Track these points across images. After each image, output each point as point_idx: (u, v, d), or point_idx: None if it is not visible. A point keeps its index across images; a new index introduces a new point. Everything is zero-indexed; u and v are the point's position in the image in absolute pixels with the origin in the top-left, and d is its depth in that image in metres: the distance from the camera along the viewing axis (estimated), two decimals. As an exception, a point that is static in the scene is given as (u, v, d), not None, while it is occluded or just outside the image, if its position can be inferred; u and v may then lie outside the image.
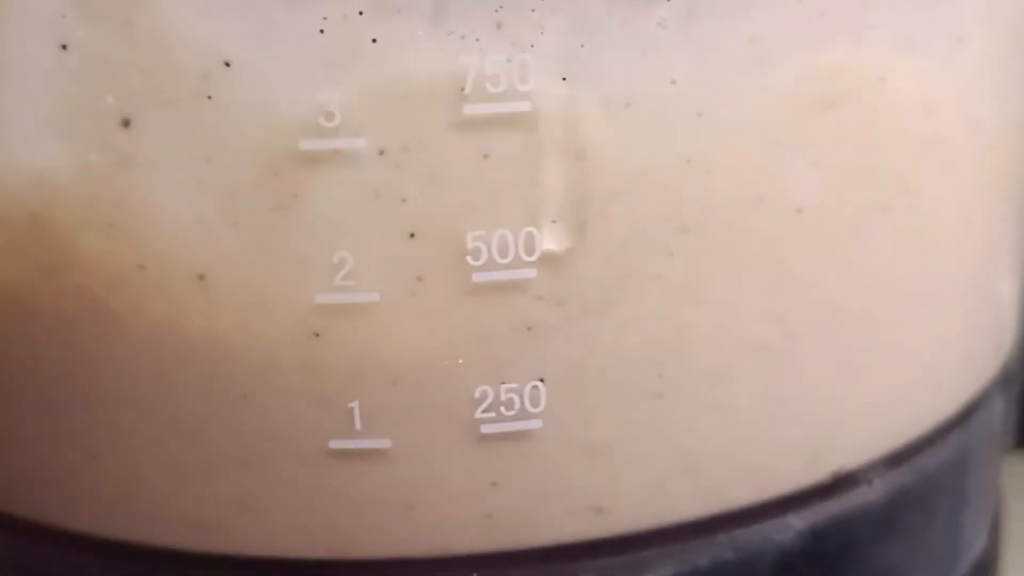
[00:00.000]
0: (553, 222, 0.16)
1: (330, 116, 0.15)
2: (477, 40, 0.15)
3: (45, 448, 0.18)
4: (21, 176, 0.16)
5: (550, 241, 0.16)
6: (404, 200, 0.15)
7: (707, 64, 0.16)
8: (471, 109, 0.15)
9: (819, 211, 0.17)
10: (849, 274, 0.18)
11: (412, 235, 0.15)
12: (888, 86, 0.17)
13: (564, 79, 0.15)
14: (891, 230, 0.18)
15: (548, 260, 0.16)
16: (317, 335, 0.16)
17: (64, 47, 0.15)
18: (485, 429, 0.16)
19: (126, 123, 0.15)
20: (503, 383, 0.16)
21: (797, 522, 0.18)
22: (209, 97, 0.15)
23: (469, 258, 0.15)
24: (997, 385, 0.22)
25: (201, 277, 0.16)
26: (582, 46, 0.15)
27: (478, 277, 0.16)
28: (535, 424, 0.16)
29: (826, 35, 0.16)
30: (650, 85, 0.15)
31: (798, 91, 0.16)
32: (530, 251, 0.16)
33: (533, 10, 0.15)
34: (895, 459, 0.19)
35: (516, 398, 0.16)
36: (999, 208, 0.21)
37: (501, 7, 0.15)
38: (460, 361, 0.16)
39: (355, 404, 0.16)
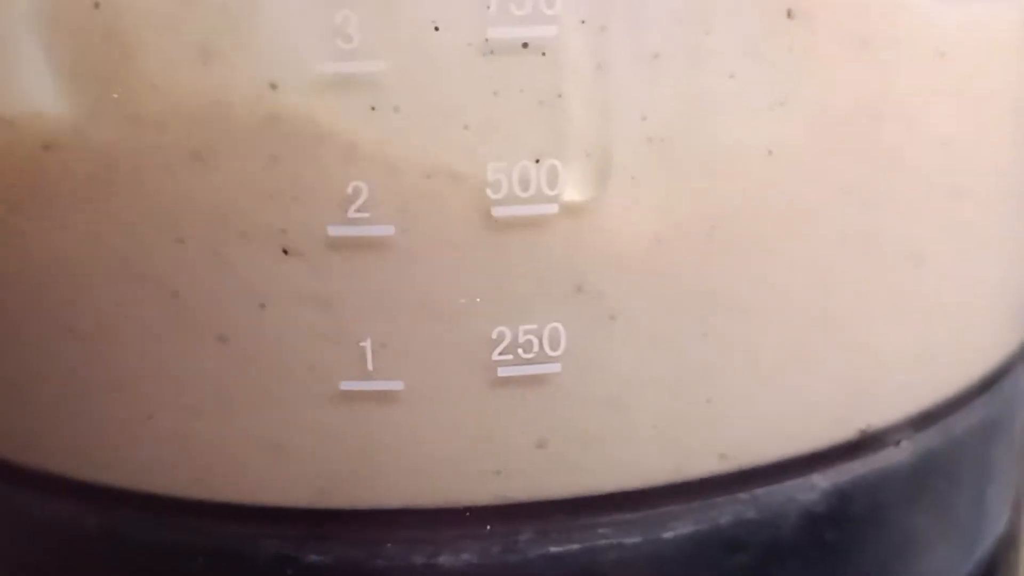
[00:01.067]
0: (577, 156, 0.15)
1: (348, 38, 0.14)
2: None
3: (51, 395, 0.17)
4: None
5: (572, 180, 0.15)
6: (422, 129, 0.15)
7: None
8: (495, 32, 0.14)
9: (848, 171, 0.17)
10: (880, 233, 0.17)
11: (429, 169, 0.15)
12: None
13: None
14: (924, 190, 0.17)
15: (570, 197, 0.15)
16: (330, 269, 0.15)
17: None
18: (502, 372, 0.16)
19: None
20: (521, 324, 0.15)
21: (822, 482, 0.18)
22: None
23: (489, 191, 0.15)
24: (1022, 357, 0.22)
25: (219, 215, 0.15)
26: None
27: (498, 211, 0.15)
28: (554, 368, 0.16)
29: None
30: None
31: (832, 50, 0.16)
32: (552, 184, 0.15)
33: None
34: (922, 421, 0.19)
35: (535, 340, 0.16)
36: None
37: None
38: (477, 300, 0.15)
39: (367, 343, 0.15)
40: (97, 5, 0.14)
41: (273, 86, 0.14)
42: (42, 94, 0.15)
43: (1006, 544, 0.22)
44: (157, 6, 0.14)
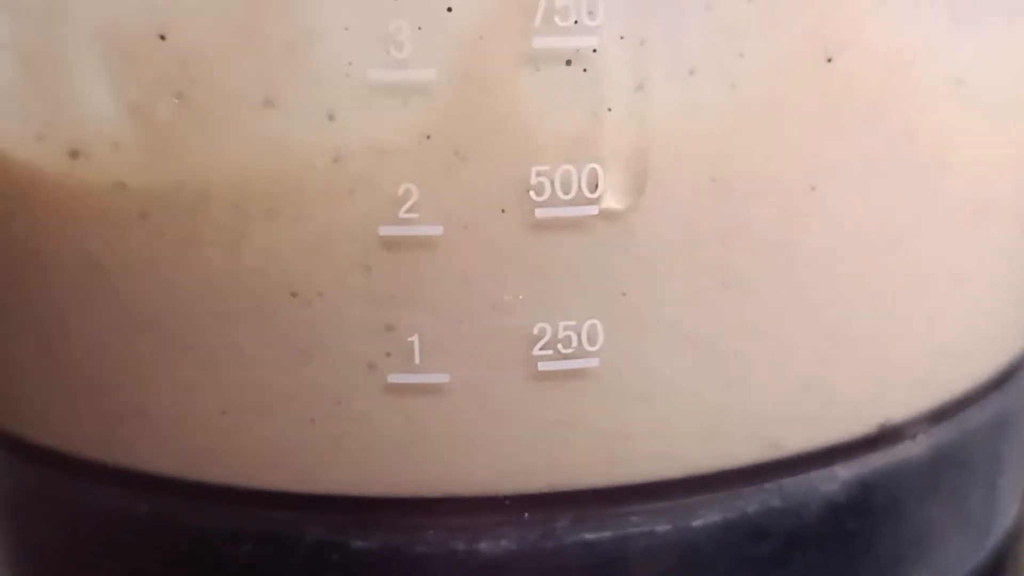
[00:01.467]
0: (615, 163, 0.16)
1: (399, 46, 0.15)
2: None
3: (102, 386, 0.18)
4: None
5: (611, 185, 0.16)
6: (467, 135, 0.15)
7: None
8: (540, 42, 0.15)
9: (869, 171, 0.17)
10: (903, 236, 0.18)
11: (475, 172, 0.16)
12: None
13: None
14: (940, 188, 0.18)
15: (609, 201, 0.16)
16: (380, 266, 0.16)
17: None
18: (542, 367, 0.16)
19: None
20: (561, 321, 0.16)
21: (844, 472, 0.18)
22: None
23: (532, 193, 0.16)
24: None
25: (270, 209, 0.16)
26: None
27: (541, 213, 0.16)
28: (592, 363, 0.16)
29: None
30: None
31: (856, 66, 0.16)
32: (592, 188, 0.16)
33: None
34: (938, 415, 0.19)
35: (574, 336, 0.16)
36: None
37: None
38: (520, 297, 0.16)
39: (415, 338, 0.16)
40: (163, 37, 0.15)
41: (331, 117, 0.15)
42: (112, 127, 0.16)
43: (1015, 536, 0.23)
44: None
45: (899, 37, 0.16)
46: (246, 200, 0.16)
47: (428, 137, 0.15)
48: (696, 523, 0.18)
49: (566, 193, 0.16)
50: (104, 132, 0.16)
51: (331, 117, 0.15)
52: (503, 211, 0.16)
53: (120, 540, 0.19)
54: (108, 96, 0.16)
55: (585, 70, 0.15)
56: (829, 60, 0.16)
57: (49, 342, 0.18)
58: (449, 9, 0.15)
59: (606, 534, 0.17)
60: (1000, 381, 0.21)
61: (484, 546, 0.17)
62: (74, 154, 0.16)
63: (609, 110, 0.15)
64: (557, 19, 0.15)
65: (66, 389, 0.18)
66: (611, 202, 0.16)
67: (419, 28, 0.15)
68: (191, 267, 0.16)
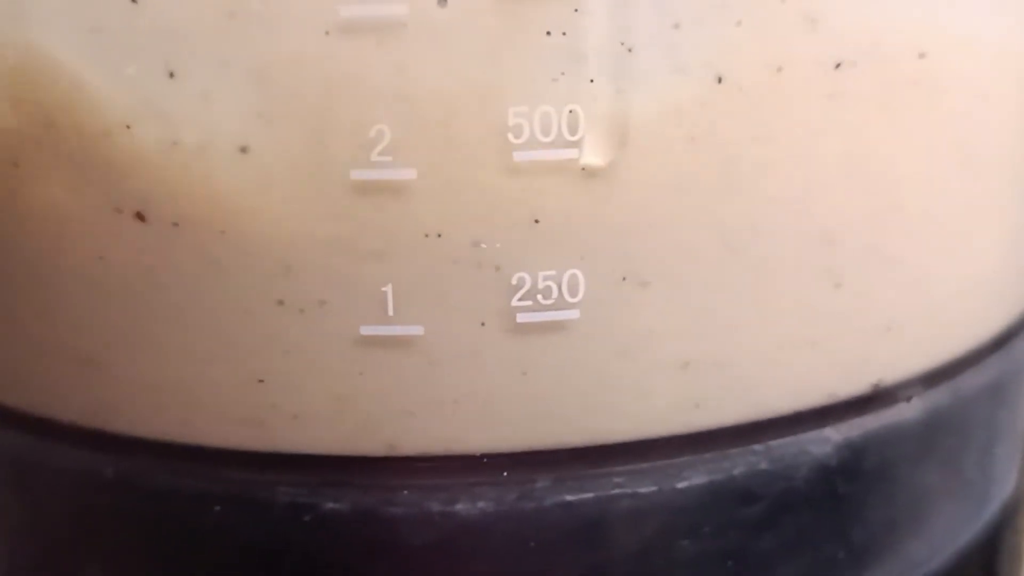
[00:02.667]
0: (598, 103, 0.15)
1: (371, -20, 0.14)
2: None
3: (67, 345, 0.17)
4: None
5: (592, 140, 0.15)
6: (446, 72, 0.15)
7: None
8: (517, -25, 0.14)
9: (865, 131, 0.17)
10: (893, 192, 0.17)
11: (450, 113, 0.15)
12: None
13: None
14: (937, 147, 0.18)
15: (592, 142, 0.15)
16: (351, 213, 0.15)
17: None
18: (521, 319, 0.16)
19: None
20: (541, 271, 0.16)
21: (835, 435, 0.18)
22: None
23: (510, 135, 0.15)
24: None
25: (243, 150, 0.15)
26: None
27: (519, 156, 0.15)
28: (572, 315, 0.16)
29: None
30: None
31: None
32: (573, 130, 0.15)
33: None
34: (933, 378, 0.19)
35: (554, 286, 0.16)
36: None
37: None
38: (497, 245, 0.15)
39: (388, 288, 0.15)
40: None
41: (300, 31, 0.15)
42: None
43: (1013, 507, 0.23)
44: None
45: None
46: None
47: (400, 74, 0.15)
48: (681, 485, 0.17)
49: (545, 135, 0.15)
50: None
51: (307, 58, 0.15)
52: (479, 154, 0.15)
53: (87, 503, 0.18)
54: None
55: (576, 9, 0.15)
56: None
57: (8, 301, 0.17)
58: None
59: (588, 495, 0.17)
60: (998, 345, 0.20)
61: (461, 507, 0.17)
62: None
63: (588, 45, 0.15)
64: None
65: (28, 349, 0.18)
66: (592, 158, 0.15)
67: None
68: (158, 213, 0.16)
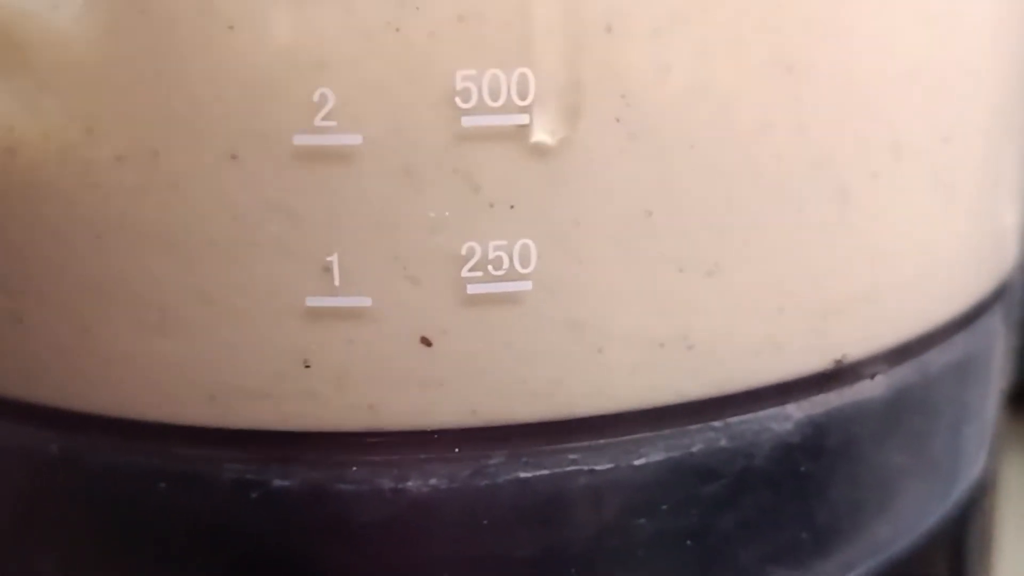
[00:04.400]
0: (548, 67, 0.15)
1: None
2: None
3: (4, 318, 0.17)
4: None
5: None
6: (395, 30, 0.14)
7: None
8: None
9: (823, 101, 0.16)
10: (857, 164, 0.17)
11: (396, 76, 0.14)
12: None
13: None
14: (905, 120, 0.17)
15: (543, 107, 0.15)
16: (294, 180, 0.15)
17: None
18: (471, 290, 0.15)
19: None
20: (491, 240, 0.15)
21: (796, 412, 0.18)
22: None
23: (458, 100, 0.15)
24: (997, 299, 0.22)
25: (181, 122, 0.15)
26: None
27: (467, 121, 0.15)
28: (525, 286, 0.15)
29: None
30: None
31: None
32: (523, 95, 0.15)
33: None
34: (898, 355, 0.19)
35: (505, 257, 0.15)
36: (1007, 111, 0.20)
37: None
38: (446, 213, 0.15)
39: (334, 258, 0.15)
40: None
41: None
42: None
43: (982, 489, 0.22)
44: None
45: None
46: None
47: (344, 35, 0.14)
48: (638, 461, 0.17)
49: (494, 100, 0.15)
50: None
51: (246, 16, 0.14)
52: (426, 119, 0.15)
53: (31, 479, 0.18)
54: None
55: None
56: None
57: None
58: None
59: (543, 472, 0.16)
60: (966, 322, 0.20)
61: (412, 484, 0.16)
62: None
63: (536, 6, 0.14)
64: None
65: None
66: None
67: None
68: (97, 186, 0.15)
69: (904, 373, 0.19)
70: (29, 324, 0.16)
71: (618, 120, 0.15)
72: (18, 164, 0.15)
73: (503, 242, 0.15)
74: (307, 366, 0.16)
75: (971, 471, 0.22)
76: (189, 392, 0.16)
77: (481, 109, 0.15)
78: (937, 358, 0.19)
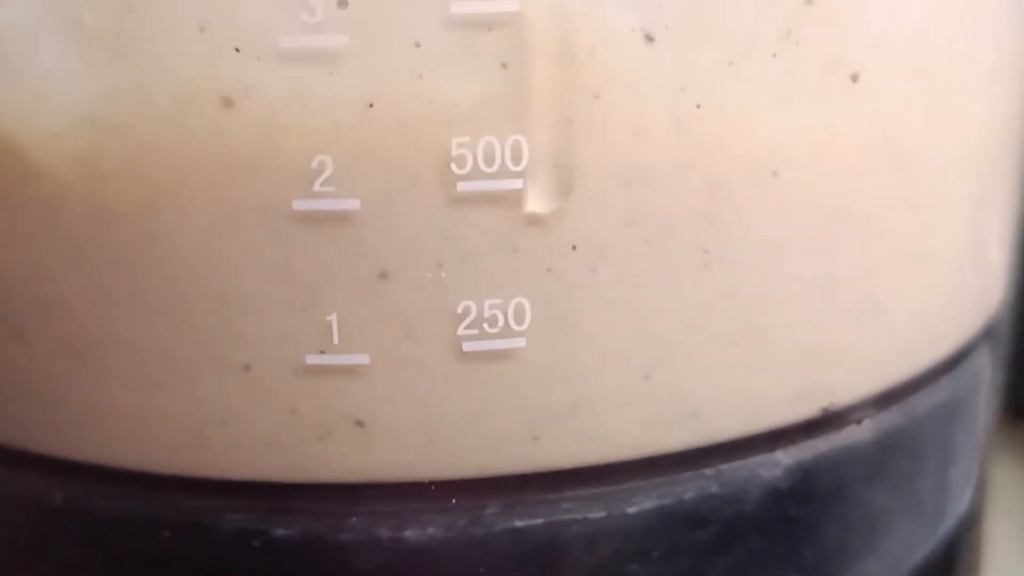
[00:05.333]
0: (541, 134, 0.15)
1: (312, 11, 0.14)
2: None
3: (11, 369, 0.17)
4: None
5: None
6: (383, 103, 0.15)
7: None
8: (459, 7, 0.14)
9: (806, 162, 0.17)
10: (843, 213, 0.17)
11: (393, 144, 0.15)
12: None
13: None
14: (882, 167, 0.18)
15: (536, 172, 0.15)
16: (294, 242, 0.15)
17: None
18: (467, 347, 0.16)
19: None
20: (487, 299, 0.16)
21: (785, 458, 0.18)
22: None
23: (453, 165, 0.15)
24: (985, 339, 0.22)
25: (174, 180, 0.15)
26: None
27: (463, 186, 0.15)
28: (519, 343, 0.16)
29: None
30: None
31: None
32: (517, 160, 0.15)
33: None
34: (884, 400, 0.19)
35: (500, 314, 0.16)
36: (991, 154, 0.20)
37: None
38: (442, 274, 0.15)
39: (333, 317, 0.15)
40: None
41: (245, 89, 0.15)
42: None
43: (968, 523, 0.23)
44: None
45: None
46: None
47: (342, 106, 0.15)
48: (631, 509, 0.17)
49: (489, 166, 0.15)
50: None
51: (245, 90, 0.15)
52: (422, 184, 0.15)
53: (35, 528, 0.18)
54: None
55: (507, 35, 0.15)
56: (774, 55, 0.15)
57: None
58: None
59: (537, 521, 0.17)
60: (952, 364, 0.21)
61: (410, 533, 0.17)
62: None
63: (530, 75, 0.15)
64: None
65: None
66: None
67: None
68: (101, 242, 0.16)
69: (891, 417, 0.19)
70: (35, 377, 0.17)
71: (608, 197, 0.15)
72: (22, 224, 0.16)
73: (498, 300, 0.16)
74: (307, 420, 0.16)
75: (958, 506, 0.22)
76: (191, 445, 0.16)
77: (476, 175, 0.15)
78: (924, 401, 0.20)
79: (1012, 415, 0.28)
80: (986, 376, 0.22)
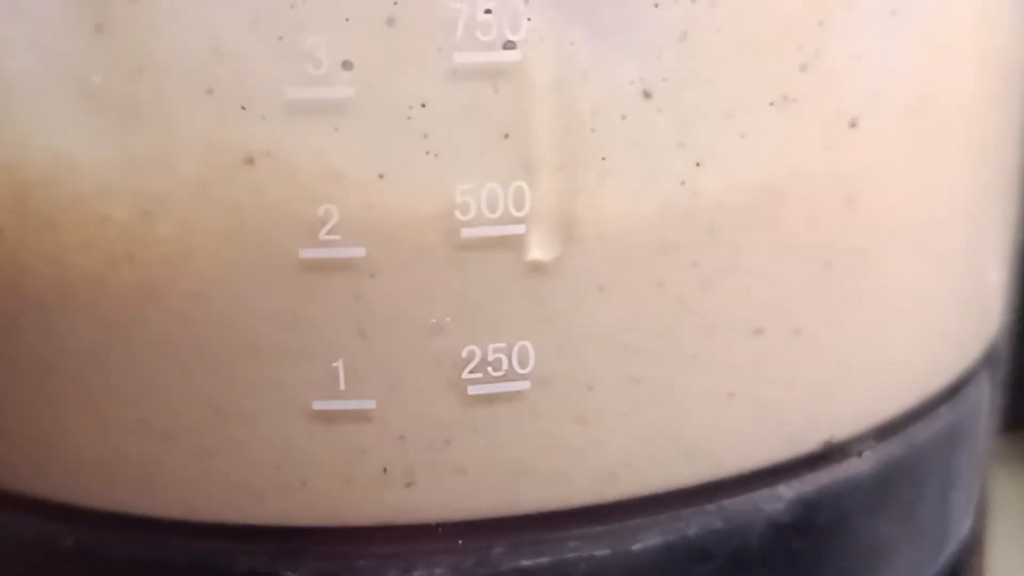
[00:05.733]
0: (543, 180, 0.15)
1: (318, 63, 0.14)
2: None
3: (22, 417, 0.17)
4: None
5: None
6: (389, 154, 0.15)
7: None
8: (461, 57, 0.15)
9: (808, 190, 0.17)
10: (840, 246, 0.18)
11: (398, 192, 0.15)
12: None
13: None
14: (885, 204, 0.18)
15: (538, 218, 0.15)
16: (301, 291, 0.15)
17: None
18: (472, 391, 0.16)
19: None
20: (490, 343, 0.16)
21: (787, 492, 0.18)
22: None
23: (457, 212, 0.15)
24: (984, 365, 0.22)
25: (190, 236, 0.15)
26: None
27: (466, 232, 0.15)
28: (524, 386, 0.16)
29: None
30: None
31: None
32: (520, 206, 0.15)
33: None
34: (884, 431, 0.19)
35: (504, 358, 0.16)
36: (987, 183, 0.21)
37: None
38: (447, 319, 0.16)
39: (339, 363, 0.16)
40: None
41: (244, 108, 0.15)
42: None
43: (969, 548, 0.23)
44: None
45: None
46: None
47: (347, 156, 0.15)
48: (636, 547, 0.17)
49: (492, 212, 0.15)
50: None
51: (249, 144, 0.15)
52: (427, 231, 0.15)
53: (47, 572, 0.18)
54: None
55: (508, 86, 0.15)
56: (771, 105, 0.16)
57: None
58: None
59: (544, 560, 0.17)
60: (951, 393, 0.21)
61: (418, 574, 0.17)
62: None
63: (530, 124, 0.15)
64: (479, 33, 0.15)
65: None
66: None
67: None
68: (103, 290, 0.16)
69: (891, 448, 0.19)
70: (47, 426, 0.17)
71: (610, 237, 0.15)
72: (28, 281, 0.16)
73: (502, 344, 0.16)
74: (315, 466, 0.16)
75: (959, 532, 0.22)
76: (201, 491, 0.17)
77: (479, 221, 0.15)
78: (924, 430, 0.20)
79: (1011, 430, 0.28)
80: (986, 401, 0.23)
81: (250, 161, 0.15)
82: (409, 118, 0.15)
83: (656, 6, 0.15)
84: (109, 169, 0.15)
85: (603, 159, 0.15)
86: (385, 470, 0.16)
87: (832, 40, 0.16)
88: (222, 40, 0.14)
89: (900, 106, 0.18)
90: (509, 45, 0.15)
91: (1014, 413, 0.27)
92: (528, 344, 0.16)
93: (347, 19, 0.14)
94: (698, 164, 0.15)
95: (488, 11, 0.14)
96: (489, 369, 0.16)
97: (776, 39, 0.16)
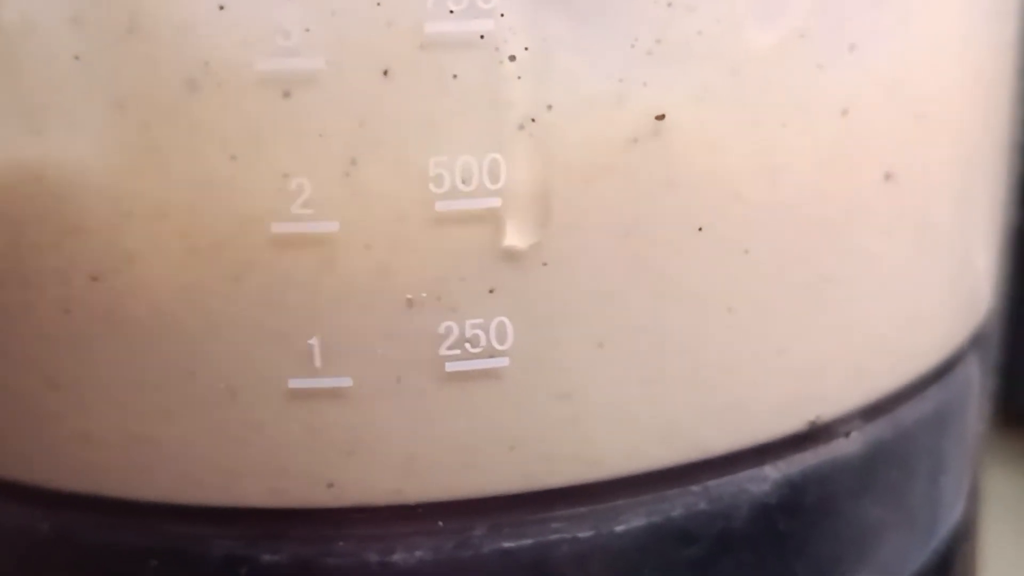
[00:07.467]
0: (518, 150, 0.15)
1: (287, 34, 0.14)
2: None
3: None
4: None
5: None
6: (362, 124, 0.15)
7: None
8: (432, 27, 0.14)
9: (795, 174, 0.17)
10: (827, 225, 0.17)
11: (371, 162, 0.15)
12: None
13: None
14: (871, 184, 0.18)
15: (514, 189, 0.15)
16: (274, 266, 0.15)
17: None
18: (450, 367, 0.16)
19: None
20: (468, 319, 0.16)
21: (773, 473, 0.18)
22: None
23: (432, 185, 0.15)
24: (973, 347, 0.22)
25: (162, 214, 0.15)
26: None
27: (441, 206, 0.15)
28: (502, 362, 0.16)
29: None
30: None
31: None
32: (495, 179, 0.15)
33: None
34: (872, 411, 0.19)
35: (482, 334, 0.16)
36: (977, 161, 0.20)
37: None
38: (423, 294, 0.15)
39: (315, 341, 0.15)
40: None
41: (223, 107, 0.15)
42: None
43: (962, 534, 0.23)
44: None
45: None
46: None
47: (320, 133, 0.15)
48: (619, 528, 0.17)
49: (467, 185, 0.15)
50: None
51: (223, 108, 0.15)
52: (401, 204, 0.15)
53: (22, 559, 0.18)
54: None
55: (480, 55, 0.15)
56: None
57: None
58: None
59: (526, 541, 0.17)
60: (940, 374, 0.21)
61: (398, 557, 0.16)
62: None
63: (504, 93, 0.15)
64: (450, 3, 0.14)
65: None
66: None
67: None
68: (77, 268, 0.16)
69: (879, 429, 0.19)
70: (22, 409, 0.17)
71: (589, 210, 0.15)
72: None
73: (480, 320, 0.16)
74: (291, 445, 0.16)
75: (951, 517, 0.22)
76: (178, 473, 0.16)
77: (454, 194, 0.15)
78: (912, 412, 0.20)
79: (1006, 422, 0.28)
80: (975, 385, 0.22)
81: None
82: (380, 89, 0.15)
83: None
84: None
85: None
86: (362, 450, 0.16)
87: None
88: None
89: (885, 90, 0.17)
90: (480, 14, 0.14)
91: (1014, 413, 0.27)
92: (506, 320, 0.16)
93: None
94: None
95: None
96: (467, 345, 0.16)
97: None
